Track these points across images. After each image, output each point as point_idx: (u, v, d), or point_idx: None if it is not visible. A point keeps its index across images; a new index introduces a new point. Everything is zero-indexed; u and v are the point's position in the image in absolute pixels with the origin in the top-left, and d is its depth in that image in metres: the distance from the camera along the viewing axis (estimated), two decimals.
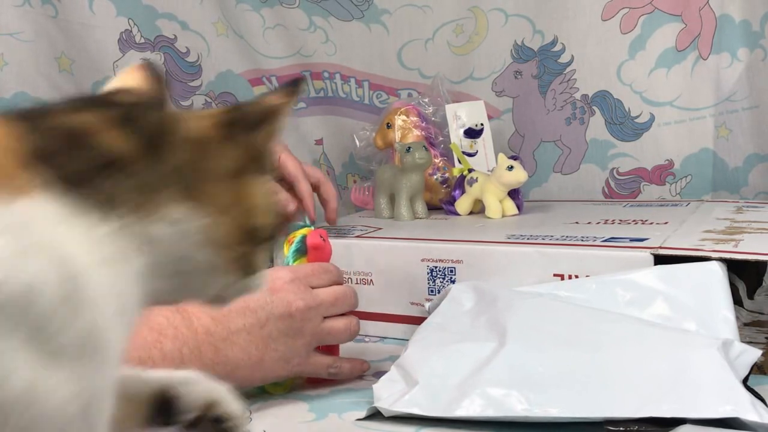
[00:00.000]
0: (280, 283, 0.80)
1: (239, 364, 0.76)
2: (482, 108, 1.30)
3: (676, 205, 1.18)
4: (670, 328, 0.78)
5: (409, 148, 1.16)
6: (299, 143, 1.41)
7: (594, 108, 1.35)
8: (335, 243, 0.92)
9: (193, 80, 1.40)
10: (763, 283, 0.93)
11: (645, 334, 0.76)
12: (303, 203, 1.03)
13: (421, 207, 1.20)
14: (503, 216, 1.14)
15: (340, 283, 0.85)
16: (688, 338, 0.76)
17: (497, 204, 1.14)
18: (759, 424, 0.67)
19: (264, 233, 0.45)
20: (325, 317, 0.82)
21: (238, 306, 0.77)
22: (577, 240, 0.94)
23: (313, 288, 0.82)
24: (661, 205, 1.20)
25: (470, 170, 1.22)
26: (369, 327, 1.00)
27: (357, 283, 1.01)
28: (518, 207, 1.16)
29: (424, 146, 1.17)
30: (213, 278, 0.44)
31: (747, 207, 1.12)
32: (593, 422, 0.69)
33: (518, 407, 0.71)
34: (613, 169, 1.35)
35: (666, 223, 1.01)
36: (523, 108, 1.39)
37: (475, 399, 0.73)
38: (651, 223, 1.02)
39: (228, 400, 0.53)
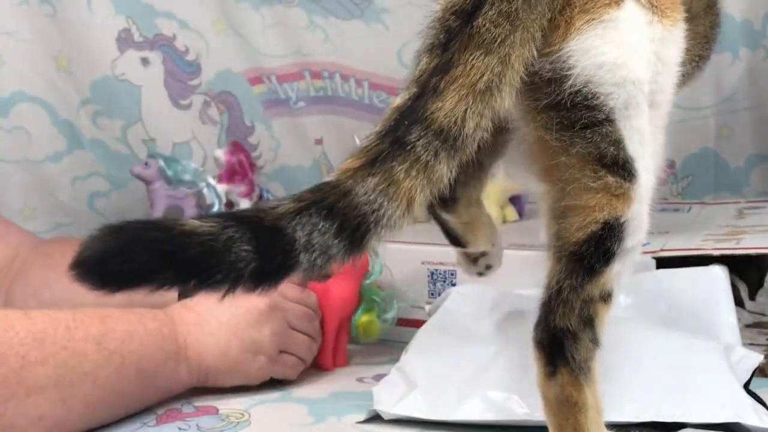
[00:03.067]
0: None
1: (208, 349, 0.83)
2: None
3: (677, 209, 1.17)
4: (671, 332, 0.78)
5: None
6: (299, 143, 1.41)
7: None
8: None
9: (192, 79, 1.39)
10: (765, 284, 0.92)
11: (646, 339, 0.76)
12: None
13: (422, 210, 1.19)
14: (504, 222, 1.13)
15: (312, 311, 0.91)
16: (690, 343, 0.76)
17: (498, 210, 1.13)
18: (761, 429, 0.67)
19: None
20: (291, 327, 0.88)
21: (210, 301, 0.83)
22: None
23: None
24: (662, 209, 1.19)
25: None
26: None
27: None
28: (519, 213, 1.16)
29: None
30: None
31: (748, 209, 1.12)
32: None
33: (519, 411, 0.71)
34: None
35: (667, 232, 1.00)
36: None
37: (476, 402, 0.73)
38: (652, 232, 1.01)
39: None
